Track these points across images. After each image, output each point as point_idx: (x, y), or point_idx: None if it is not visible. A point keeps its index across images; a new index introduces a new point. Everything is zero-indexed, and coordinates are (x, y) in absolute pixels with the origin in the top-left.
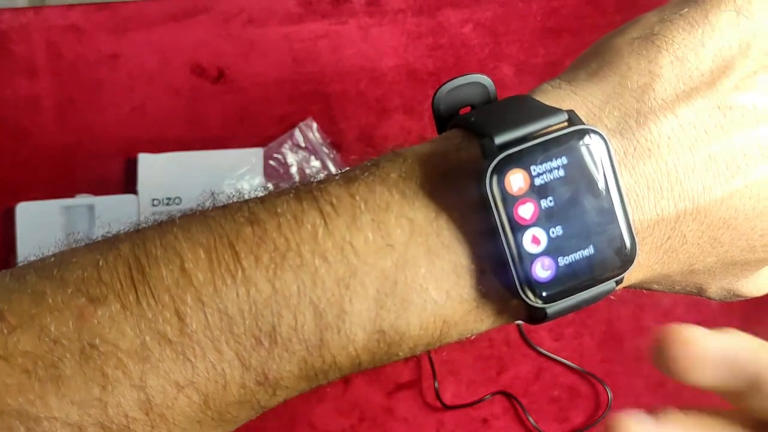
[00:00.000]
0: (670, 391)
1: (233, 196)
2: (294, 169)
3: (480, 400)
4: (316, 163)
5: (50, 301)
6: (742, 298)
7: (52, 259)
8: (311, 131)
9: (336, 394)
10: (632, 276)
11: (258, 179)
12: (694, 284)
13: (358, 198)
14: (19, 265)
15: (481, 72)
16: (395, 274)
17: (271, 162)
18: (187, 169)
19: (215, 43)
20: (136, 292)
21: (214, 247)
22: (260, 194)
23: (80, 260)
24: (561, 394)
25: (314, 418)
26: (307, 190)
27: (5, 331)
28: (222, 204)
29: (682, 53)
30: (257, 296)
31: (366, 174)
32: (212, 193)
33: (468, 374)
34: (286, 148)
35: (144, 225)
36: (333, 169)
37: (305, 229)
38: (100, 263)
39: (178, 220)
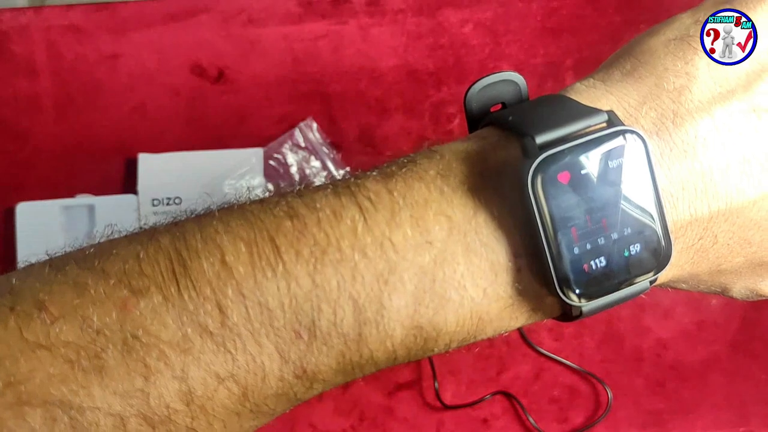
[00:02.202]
0: (670, 390)
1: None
2: (294, 169)
3: (480, 400)
4: (316, 163)
5: (92, 292)
6: (765, 298)
7: (91, 250)
8: (311, 131)
9: (336, 394)
10: (663, 275)
11: (258, 179)
12: (719, 284)
13: (396, 194)
14: (55, 256)
15: (481, 72)
16: (434, 271)
17: (271, 162)
18: (187, 169)
19: (215, 43)
20: (178, 285)
21: (254, 241)
22: (297, 189)
23: (121, 252)
24: (561, 394)
25: (314, 418)
26: (344, 185)
27: (48, 321)
28: (259, 198)
29: None
30: (297, 290)
31: (403, 170)
32: (248, 188)
33: (468, 374)
34: (286, 148)
35: (181, 217)
36: (333, 169)
37: (344, 224)
38: (141, 255)
39: (217, 212)
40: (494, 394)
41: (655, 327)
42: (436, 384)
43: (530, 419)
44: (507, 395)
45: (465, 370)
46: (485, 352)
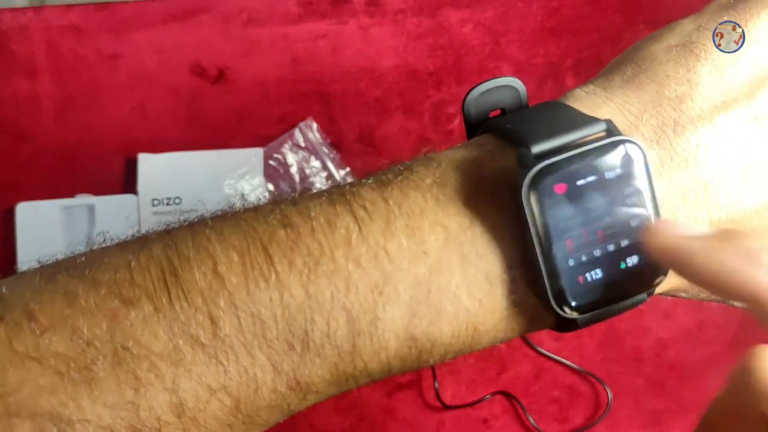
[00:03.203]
0: (670, 390)
1: (260, 198)
2: (294, 169)
3: (480, 400)
4: (316, 163)
5: (83, 302)
6: None
7: (83, 258)
8: (311, 131)
9: None
10: (661, 286)
11: (258, 179)
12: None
13: (391, 202)
14: (47, 264)
15: (481, 72)
16: (429, 282)
17: (271, 162)
18: (187, 169)
19: (215, 43)
20: (169, 295)
21: (247, 250)
22: (291, 196)
23: (112, 261)
24: (561, 394)
25: (314, 418)
26: (339, 193)
27: (37, 331)
28: (253, 205)
29: (721, 62)
30: (290, 301)
31: (399, 178)
32: (242, 194)
33: (468, 374)
34: (286, 148)
35: (174, 225)
36: (333, 169)
37: (339, 234)
38: (132, 264)
39: (210, 221)
40: (494, 394)
41: (655, 327)
42: (436, 384)
43: (530, 419)
44: (507, 395)
45: (465, 370)
46: (485, 352)
